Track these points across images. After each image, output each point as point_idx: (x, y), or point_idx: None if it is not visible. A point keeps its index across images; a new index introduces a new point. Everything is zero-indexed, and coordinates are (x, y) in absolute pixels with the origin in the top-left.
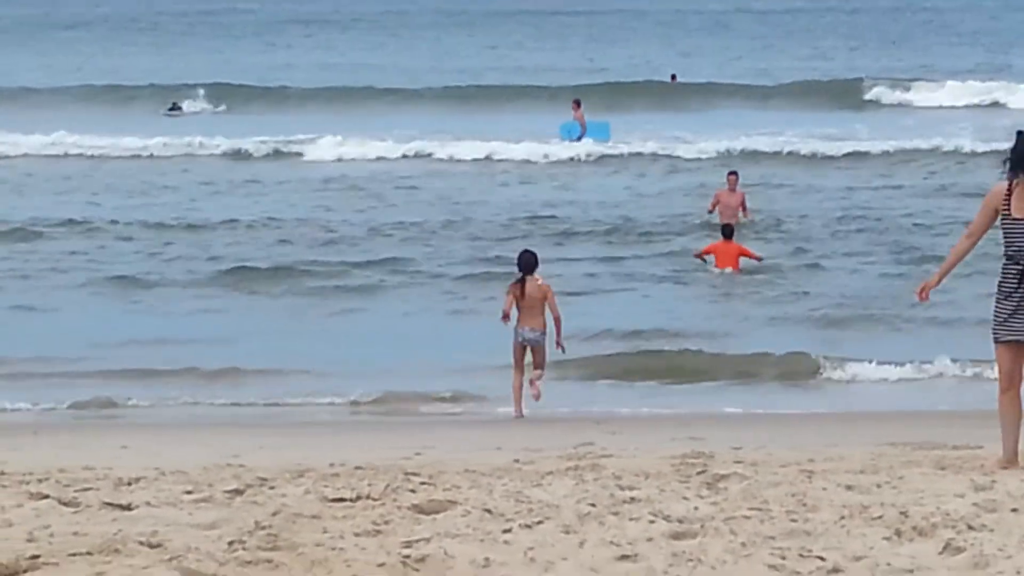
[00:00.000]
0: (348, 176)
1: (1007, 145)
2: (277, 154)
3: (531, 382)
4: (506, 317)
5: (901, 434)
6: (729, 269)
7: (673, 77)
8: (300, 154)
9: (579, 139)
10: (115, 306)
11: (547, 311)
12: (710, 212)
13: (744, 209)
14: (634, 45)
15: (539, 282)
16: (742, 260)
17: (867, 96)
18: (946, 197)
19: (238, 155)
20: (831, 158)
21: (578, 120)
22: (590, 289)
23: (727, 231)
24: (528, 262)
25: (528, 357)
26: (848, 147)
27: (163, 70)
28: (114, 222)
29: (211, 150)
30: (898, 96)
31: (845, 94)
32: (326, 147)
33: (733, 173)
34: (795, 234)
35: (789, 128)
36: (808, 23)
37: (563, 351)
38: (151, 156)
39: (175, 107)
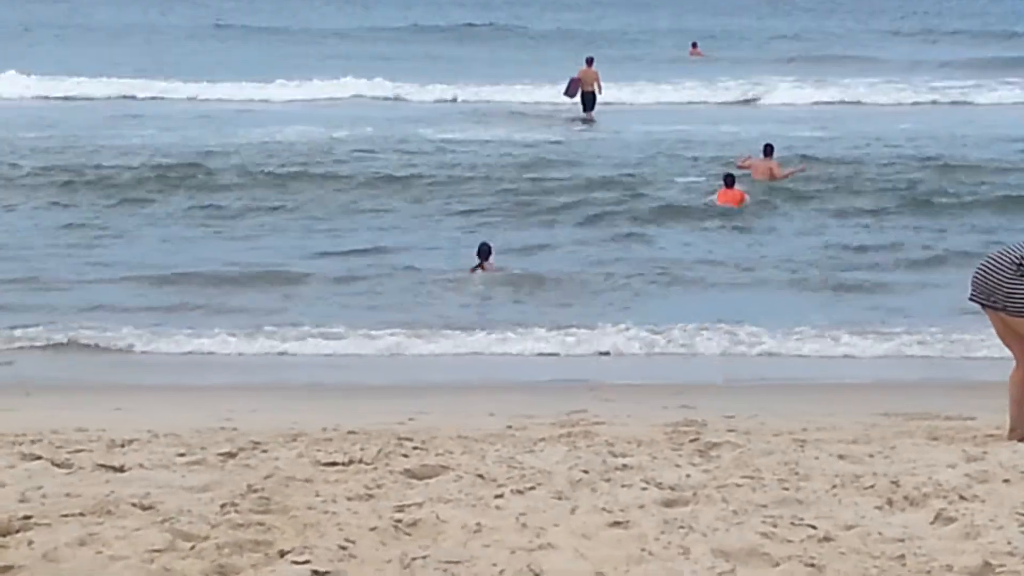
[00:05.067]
0: None
1: None
2: None
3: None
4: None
5: (893, 405)
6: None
7: (694, 45)
8: None
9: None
10: None
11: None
12: (739, 167)
13: (778, 174)
14: None
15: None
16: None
17: None
18: None
19: None
20: None
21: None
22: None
23: (729, 179)
24: (483, 250)
25: None
26: None
27: None
28: None
29: None
30: None
31: None
32: None
33: (768, 144)
34: None
35: None
36: None
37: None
38: None
39: None
